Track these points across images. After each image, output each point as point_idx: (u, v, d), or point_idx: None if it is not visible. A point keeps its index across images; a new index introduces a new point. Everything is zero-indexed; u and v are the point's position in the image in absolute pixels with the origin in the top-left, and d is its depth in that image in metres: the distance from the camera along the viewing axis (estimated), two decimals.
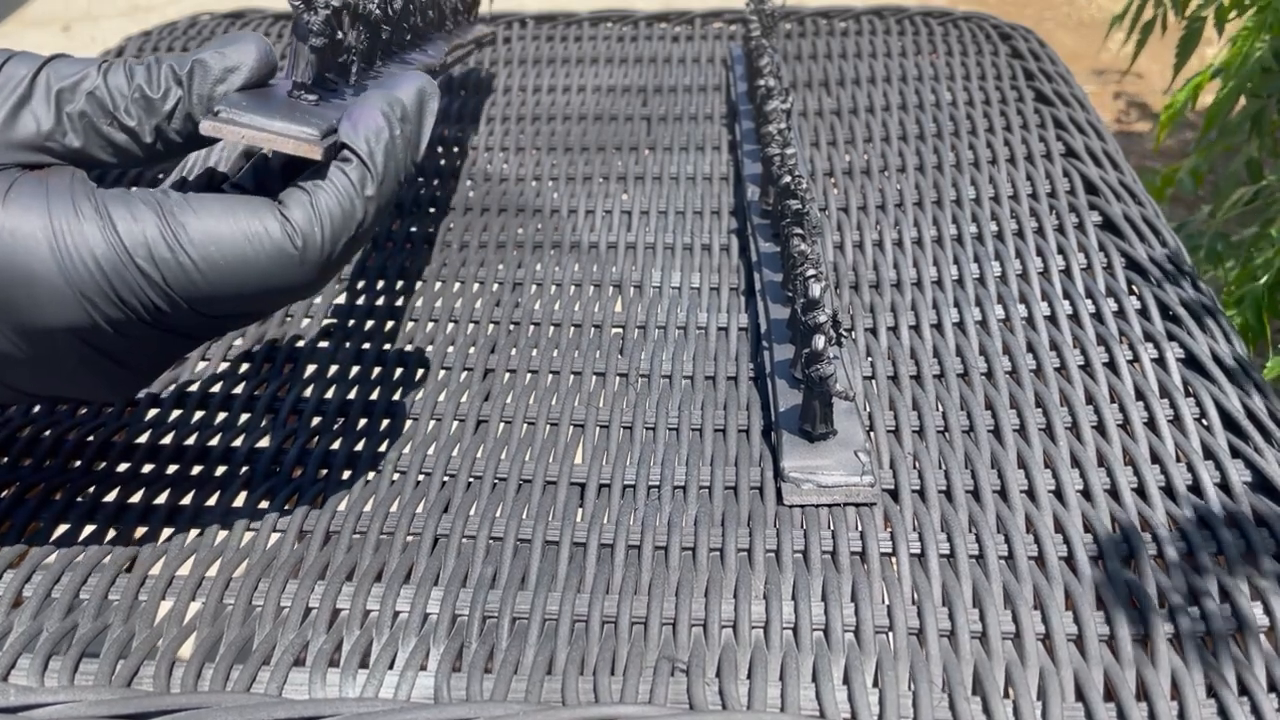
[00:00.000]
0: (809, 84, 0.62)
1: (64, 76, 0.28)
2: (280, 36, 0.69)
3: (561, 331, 0.44)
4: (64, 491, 0.36)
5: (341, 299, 0.47)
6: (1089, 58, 1.86)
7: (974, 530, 0.34)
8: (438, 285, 0.47)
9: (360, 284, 0.48)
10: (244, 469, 0.37)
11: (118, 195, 0.27)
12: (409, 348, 0.44)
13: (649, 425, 0.39)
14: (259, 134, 0.28)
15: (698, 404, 0.40)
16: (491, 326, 0.45)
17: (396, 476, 0.37)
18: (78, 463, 0.38)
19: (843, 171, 0.54)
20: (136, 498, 0.36)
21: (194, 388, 0.41)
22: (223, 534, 0.35)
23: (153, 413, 0.40)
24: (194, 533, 0.35)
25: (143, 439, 0.39)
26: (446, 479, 0.37)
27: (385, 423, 0.40)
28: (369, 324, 0.45)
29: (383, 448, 0.38)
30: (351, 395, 0.41)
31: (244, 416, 0.40)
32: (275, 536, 0.34)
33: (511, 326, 0.45)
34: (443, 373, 0.42)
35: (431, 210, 0.53)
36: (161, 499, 0.36)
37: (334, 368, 0.43)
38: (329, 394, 0.41)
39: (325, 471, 0.37)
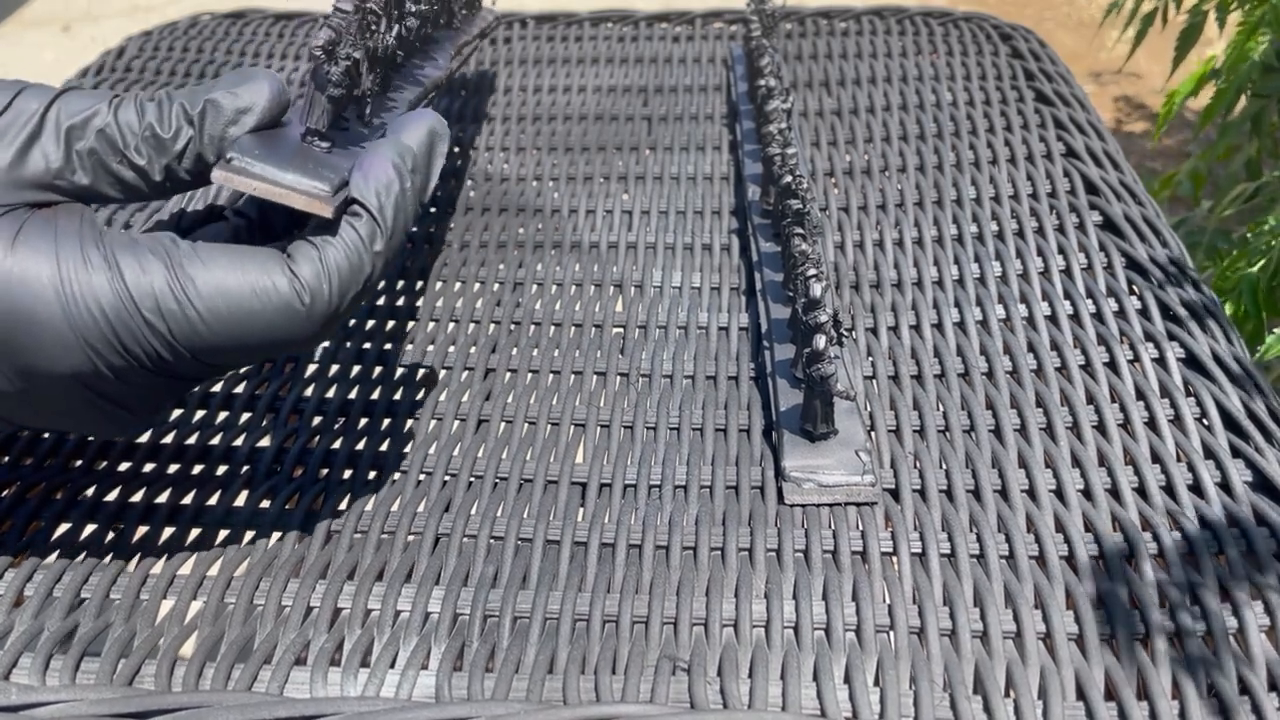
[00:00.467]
0: (809, 84, 0.62)
1: (74, 113, 0.28)
2: (280, 36, 0.69)
3: (562, 331, 0.44)
4: (65, 491, 0.36)
5: None
6: (1089, 58, 1.86)
7: (975, 530, 0.34)
8: (438, 285, 0.47)
9: None
10: (245, 468, 0.37)
11: (126, 243, 0.27)
12: (409, 348, 0.44)
13: (650, 425, 0.39)
14: (271, 187, 0.28)
15: (699, 403, 0.40)
16: (492, 326, 0.45)
17: (398, 476, 0.37)
18: (79, 462, 0.38)
19: (843, 171, 0.54)
20: (138, 497, 0.36)
21: (195, 387, 0.41)
22: (224, 533, 0.35)
23: None
24: (195, 532, 0.35)
25: (144, 439, 0.39)
26: (448, 478, 0.37)
27: (386, 422, 0.40)
28: (369, 324, 0.45)
29: (384, 447, 0.38)
30: (352, 395, 0.41)
31: (245, 416, 0.40)
32: (276, 536, 0.34)
33: (512, 326, 0.45)
34: (444, 372, 0.42)
35: (431, 210, 0.53)
36: (163, 498, 0.36)
37: (335, 367, 0.43)
38: (330, 393, 0.41)
39: (326, 471, 0.37)
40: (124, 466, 0.38)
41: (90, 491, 0.36)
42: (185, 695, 0.28)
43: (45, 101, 0.28)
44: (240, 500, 0.36)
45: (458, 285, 0.47)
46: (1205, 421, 0.37)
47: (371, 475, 0.37)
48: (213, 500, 0.36)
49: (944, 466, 0.36)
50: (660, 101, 0.62)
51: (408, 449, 0.38)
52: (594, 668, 0.30)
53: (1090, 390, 0.39)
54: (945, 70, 0.62)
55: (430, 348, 0.44)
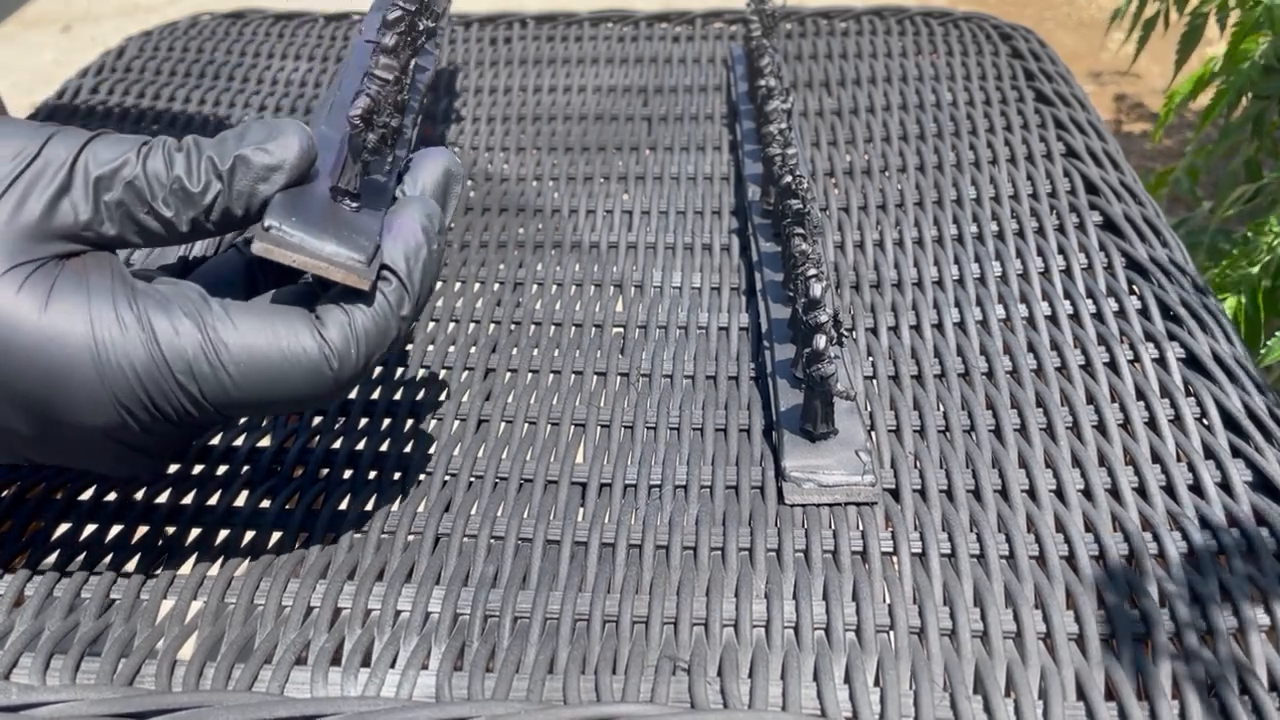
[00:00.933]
0: (809, 84, 0.62)
1: (103, 163, 0.28)
2: (280, 36, 0.69)
3: (562, 331, 0.44)
4: (65, 491, 0.36)
5: None
6: (1089, 58, 1.86)
7: (975, 529, 0.34)
8: (438, 285, 0.47)
9: None
10: (245, 468, 0.37)
11: (159, 302, 0.28)
12: (410, 348, 0.44)
13: (650, 425, 0.39)
14: (311, 260, 0.28)
15: (699, 403, 0.40)
16: (492, 326, 0.45)
17: (398, 476, 0.37)
18: None
19: (843, 171, 0.54)
20: (138, 497, 0.36)
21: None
22: (224, 533, 0.35)
23: None
24: (195, 532, 0.35)
25: None
26: (448, 478, 0.37)
27: (386, 422, 0.40)
28: None
29: (384, 447, 0.38)
30: (352, 395, 0.41)
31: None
32: (276, 536, 0.34)
33: (512, 326, 0.45)
34: (444, 372, 0.42)
35: None
36: (163, 498, 0.36)
37: None
38: None
39: (326, 471, 0.37)
40: None
41: (90, 492, 0.36)
42: (185, 695, 0.28)
43: (74, 150, 0.28)
44: (240, 500, 0.36)
45: (458, 285, 0.47)
46: (1205, 421, 0.37)
47: (371, 475, 0.37)
48: (213, 500, 0.36)
49: (944, 466, 0.36)
50: (660, 101, 0.62)
51: (408, 449, 0.38)
52: (594, 668, 0.30)
53: (1090, 390, 0.39)
54: (945, 70, 0.62)
55: (430, 348, 0.44)
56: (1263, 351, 0.61)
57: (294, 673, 0.29)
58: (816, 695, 0.29)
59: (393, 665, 0.30)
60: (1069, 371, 0.40)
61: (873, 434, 0.38)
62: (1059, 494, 0.35)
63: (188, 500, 0.36)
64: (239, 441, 0.39)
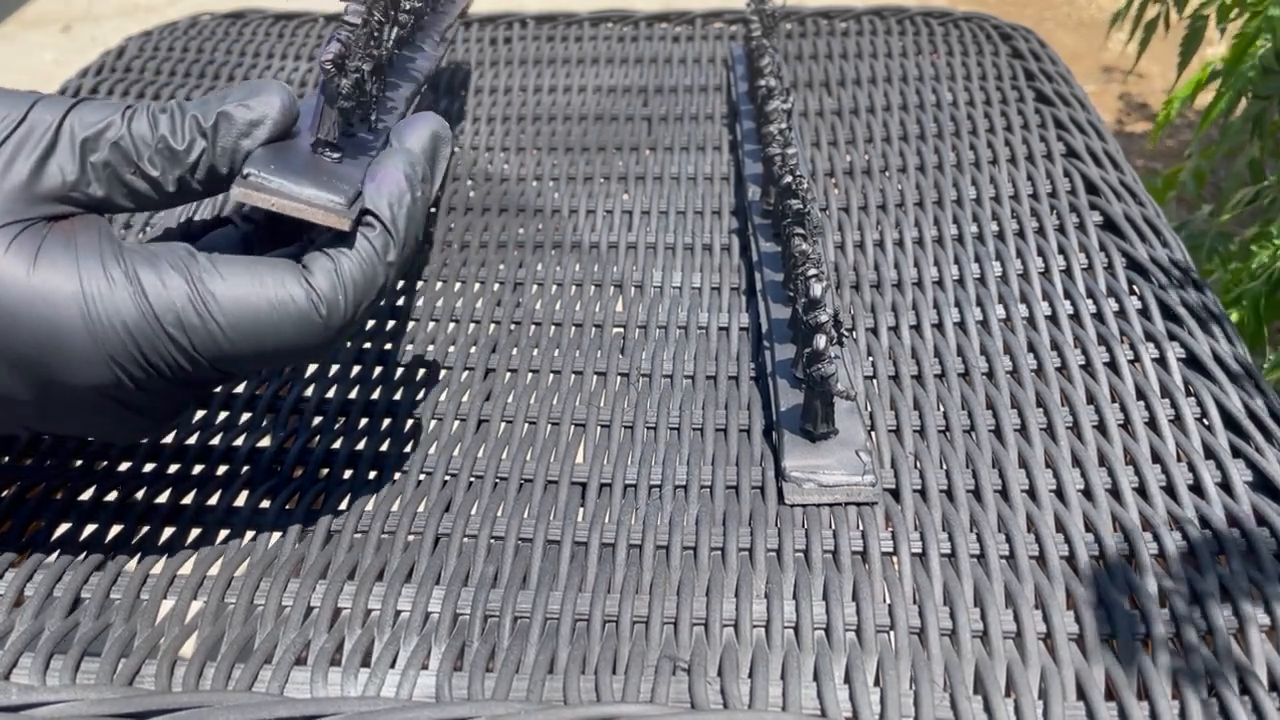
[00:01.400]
0: (809, 84, 0.62)
1: (89, 125, 0.28)
2: (280, 36, 0.69)
3: (562, 331, 0.44)
4: (65, 491, 0.36)
5: None
6: (1089, 58, 1.86)
7: (975, 530, 0.34)
8: (438, 285, 0.47)
9: None
10: (245, 468, 0.37)
11: (145, 258, 0.28)
12: (409, 348, 0.44)
13: (650, 425, 0.39)
14: (289, 203, 0.29)
15: (699, 403, 0.40)
16: (492, 326, 0.45)
17: (398, 476, 0.37)
18: (79, 462, 0.38)
19: (843, 171, 0.54)
20: (138, 497, 0.36)
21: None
22: (224, 533, 0.35)
23: None
24: (195, 532, 0.35)
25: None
26: (448, 478, 0.37)
27: (386, 422, 0.40)
28: (369, 324, 0.45)
29: (384, 447, 0.38)
30: (352, 395, 0.41)
31: (245, 416, 0.40)
32: (276, 536, 0.34)
33: (512, 326, 0.45)
34: (443, 372, 0.42)
35: (432, 210, 0.53)
36: (163, 498, 0.36)
37: (335, 367, 0.43)
38: (330, 393, 0.41)
39: (326, 471, 0.37)
40: (124, 466, 0.38)
41: (90, 492, 0.36)
42: (185, 695, 0.28)
43: (60, 114, 0.28)
44: (240, 500, 0.36)
45: (458, 285, 0.47)
46: (1205, 421, 0.37)
47: (371, 475, 0.37)
48: (213, 500, 0.36)
49: (944, 466, 0.36)
50: (660, 101, 0.62)
51: (408, 449, 0.38)
52: (594, 668, 0.30)
53: (1090, 390, 0.39)
54: (945, 70, 0.62)
55: (430, 348, 0.44)
56: (1265, 366, 0.61)
57: (294, 673, 0.29)
58: (816, 695, 0.29)
59: (393, 665, 0.30)
60: (1069, 371, 0.40)
61: (873, 434, 0.38)
62: (1059, 494, 0.35)
63: (188, 500, 0.36)
64: (239, 441, 0.39)
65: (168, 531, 0.35)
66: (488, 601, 0.32)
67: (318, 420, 0.40)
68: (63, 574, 0.33)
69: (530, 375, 0.42)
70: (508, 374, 0.42)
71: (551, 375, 0.42)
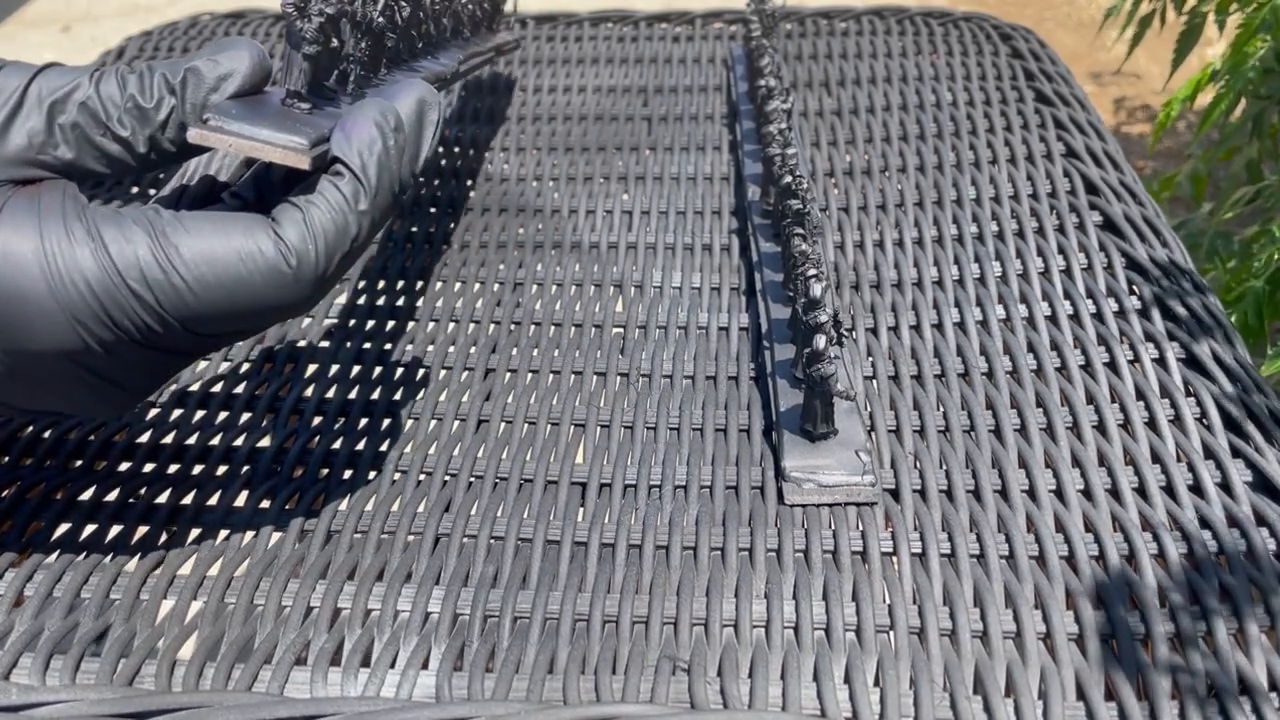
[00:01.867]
0: (809, 84, 0.62)
1: (56, 87, 0.28)
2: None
3: (562, 331, 0.44)
4: (65, 491, 0.36)
5: (342, 299, 0.47)
6: (1089, 58, 1.86)
7: (975, 530, 0.34)
8: (438, 285, 0.47)
9: (360, 284, 0.48)
10: (245, 469, 0.37)
11: (109, 216, 0.27)
12: (409, 348, 0.44)
13: (650, 425, 0.39)
14: (246, 142, 0.28)
15: (698, 404, 0.40)
16: (492, 326, 0.45)
17: (398, 476, 0.37)
18: (78, 462, 0.38)
19: (843, 171, 0.54)
20: (138, 497, 0.36)
21: (195, 388, 0.41)
22: (224, 533, 0.35)
23: (153, 413, 0.40)
24: (195, 532, 0.35)
25: (144, 439, 0.39)
26: (448, 478, 0.37)
27: (386, 422, 0.40)
28: (369, 324, 0.45)
29: (384, 447, 0.38)
30: (352, 395, 0.41)
31: (245, 416, 0.40)
32: (276, 536, 0.34)
33: (512, 326, 0.45)
34: (443, 373, 0.42)
35: (431, 210, 0.53)
36: (163, 498, 0.36)
37: (335, 368, 0.43)
38: (330, 394, 0.41)
39: (326, 471, 0.37)
40: (124, 467, 0.38)
41: (90, 492, 0.36)
42: (185, 695, 0.28)
43: (26, 78, 0.28)
44: (240, 500, 0.36)
45: (458, 285, 0.47)
46: (1205, 421, 0.37)
47: (371, 475, 0.37)
48: (213, 500, 0.36)
49: (944, 466, 0.36)
50: (660, 102, 0.62)
51: (408, 449, 0.38)
52: (594, 668, 0.30)
53: (1090, 390, 0.39)
54: (945, 70, 0.62)
55: (430, 348, 0.44)
56: (1262, 365, 0.61)
57: (294, 673, 0.29)
58: (816, 695, 0.29)
59: (393, 665, 0.30)
60: (1069, 371, 0.40)
61: (873, 434, 0.38)
62: (1059, 494, 0.35)
63: (188, 500, 0.36)
64: (239, 441, 0.39)
65: (168, 532, 0.35)
66: (487, 601, 0.32)
67: (318, 420, 0.40)
68: (63, 574, 0.33)
69: (530, 375, 0.42)
70: (508, 374, 0.42)
71: (551, 375, 0.42)
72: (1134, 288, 0.44)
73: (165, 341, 0.28)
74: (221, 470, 0.37)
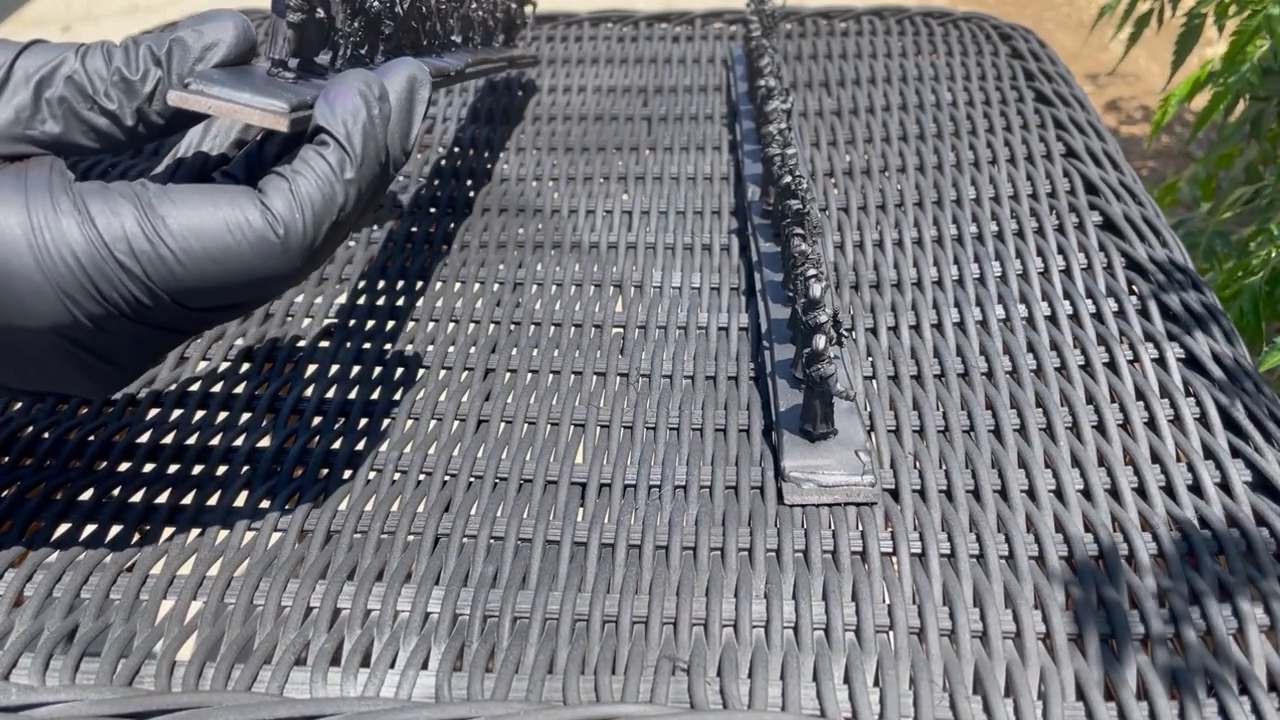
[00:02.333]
0: (809, 84, 0.62)
1: (42, 63, 0.28)
2: None
3: (562, 331, 0.44)
4: (65, 491, 0.36)
5: (342, 299, 0.47)
6: (1089, 58, 1.86)
7: (975, 530, 0.34)
8: (438, 285, 0.47)
9: (360, 284, 0.48)
10: (245, 468, 0.37)
11: (96, 189, 0.27)
12: (409, 348, 0.44)
13: (650, 425, 0.39)
14: (225, 104, 0.28)
15: (698, 404, 0.40)
16: (492, 326, 0.45)
17: (397, 476, 0.37)
18: (78, 463, 0.38)
19: (843, 171, 0.54)
20: (137, 497, 0.36)
21: (195, 387, 0.41)
22: (224, 533, 0.35)
23: (153, 412, 0.40)
24: (195, 532, 0.35)
25: (144, 439, 0.39)
26: (447, 478, 0.37)
27: (386, 422, 0.40)
28: (369, 324, 0.45)
29: (384, 447, 0.38)
30: (352, 395, 0.41)
31: (245, 416, 0.40)
32: (276, 536, 0.34)
33: (512, 326, 0.45)
34: (443, 373, 0.42)
35: (431, 210, 0.53)
36: (162, 498, 0.36)
37: (335, 368, 0.43)
38: (330, 394, 0.41)
39: (326, 471, 0.37)
40: (124, 467, 0.38)
41: (90, 492, 0.36)
42: (185, 695, 0.28)
43: (11, 55, 0.28)
44: (240, 500, 0.36)
45: (458, 285, 0.47)
46: (1205, 421, 0.37)
47: (371, 475, 0.37)
48: (213, 500, 0.36)
49: (944, 467, 0.36)
50: (660, 102, 0.62)
51: (407, 449, 0.38)
52: (594, 668, 0.30)
53: (1090, 390, 0.39)
54: (945, 70, 0.62)
55: (430, 348, 0.44)
56: (1260, 358, 0.61)
57: (293, 673, 0.29)
58: (816, 695, 0.29)
59: (392, 665, 0.30)
60: (1068, 372, 0.40)
61: (872, 434, 0.38)
62: (1058, 494, 0.35)
63: (188, 500, 0.36)
64: (239, 441, 0.39)
65: (168, 531, 0.35)
66: (487, 602, 0.32)
67: (318, 420, 0.40)
68: (63, 574, 0.33)
69: (530, 375, 0.42)
70: (508, 374, 0.42)
71: (551, 375, 0.42)
72: (1134, 287, 0.44)
73: (155, 316, 0.28)
74: (221, 470, 0.37)
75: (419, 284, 0.48)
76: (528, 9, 0.60)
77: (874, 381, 0.41)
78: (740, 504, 0.35)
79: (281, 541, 0.34)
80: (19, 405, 0.40)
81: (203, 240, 0.27)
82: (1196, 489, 0.35)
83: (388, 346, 0.44)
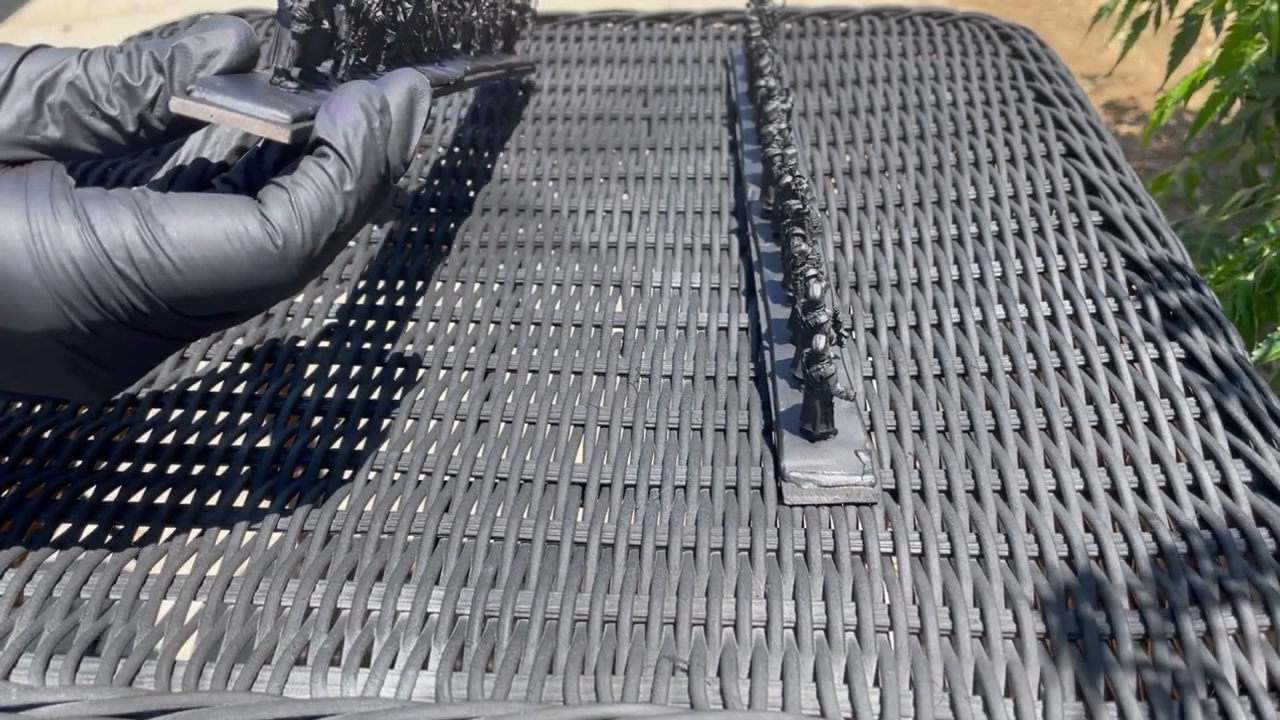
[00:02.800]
0: (809, 84, 0.62)
1: (44, 68, 0.28)
2: None
3: (562, 331, 0.44)
4: (65, 491, 0.36)
5: (342, 299, 0.47)
6: (1088, 58, 1.86)
7: (974, 530, 0.34)
8: (438, 285, 0.47)
9: (360, 284, 0.48)
10: (245, 469, 0.37)
11: (96, 196, 0.27)
12: (409, 348, 0.44)
13: (650, 425, 0.39)
14: (227, 113, 0.28)
15: (698, 404, 0.40)
16: (492, 326, 0.45)
17: (397, 476, 0.37)
18: (78, 463, 0.38)
19: (843, 171, 0.54)
20: (137, 497, 0.36)
21: (195, 387, 0.41)
22: (224, 533, 0.35)
23: (153, 413, 0.40)
24: (195, 532, 0.35)
25: (144, 439, 0.39)
26: (447, 479, 0.37)
27: (386, 422, 0.40)
28: (369, 324, 0.45)
29: (384, 447, 0.38)
30: (352, 395, 0.41)
31: (245, 416, 0.40)
32: (276, 536, 0.34)
33: (512, 326, 0.45)
34: (443, 373, 0.42)
35: (431, 210, 0.53)
36: (163, 498, 0.36)
37: (334, 368, 0.43)
38: (330, 394, 0.41)
39: (326, 471, 0.37)
40: (124, 467, 0.38)
41: (90, 492, 0.36)
42: (185, 695, 0.28)
43: (14, 59, 0.28)
44: (240, 500, 0.36)
45: (458, 285, 0.47)
46: (1205, 421, 0.37)
47: (371, 475, 0.37)
48: (213, 500, 0.36)
49: (944, 467, 0.36)
50: (660, 102, 0.62)
51: (407, 449, 0.38)
52: (594, 668, 0.30)
53: (1090, 390, 0.39)
54: (945, 70, 0.62)
55: (430, 348, 0.44)
56: (1256, 353, 0.61)
57: (293, 673, 0.29)
58: (816, 695, 0.29)
59: (392, 666, 0.30)
60: (1068, 372, 0.40)
61: (872, 434, 0.38)
62: (1058, 494, 0.35)
63: (188, 500, 0.36)
64: (239, 442, 0.39)
65: (168, 531, 0.35)
66: (487, 602, 0.32)
67: (318, 420, 0.40)
68: (63, 574, 0.33)
69: (530, 375, 0.42)
70: (508, 374, 0.42)
71: (551, 375, 0.42)
72: (1134, 287, 0.44)
73: (152, 324, 0.28)
74: (221, 470, 0.37)
75: (419, 284, 0.48)
76: (527, 15, 0.60)
77: (874, 381, 0.41)
78: (740, 504, 0.35)
79: (281, 541, 0.34)
80: (19, 405, 0.40)
81: (202, 249, 0.27)
82: (1196, 489, 0.35)
83: (388, 346, 0.44)
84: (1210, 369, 0.39)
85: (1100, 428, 0.37)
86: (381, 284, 0.48)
